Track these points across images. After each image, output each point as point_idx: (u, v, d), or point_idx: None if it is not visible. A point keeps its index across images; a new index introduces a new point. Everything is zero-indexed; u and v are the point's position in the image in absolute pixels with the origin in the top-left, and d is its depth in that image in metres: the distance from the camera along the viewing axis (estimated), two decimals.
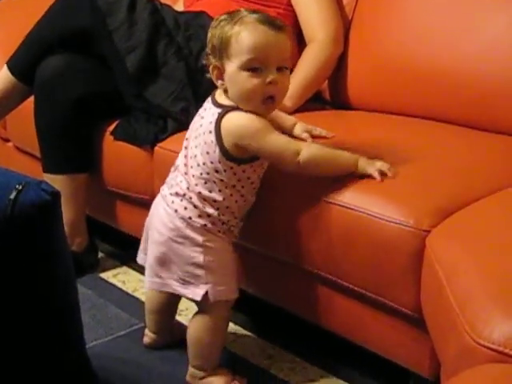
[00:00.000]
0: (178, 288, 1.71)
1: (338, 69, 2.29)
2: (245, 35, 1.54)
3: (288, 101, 2.17)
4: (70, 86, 2.19)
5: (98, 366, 1.68)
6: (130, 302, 2.18)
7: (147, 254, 1.78)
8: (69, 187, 2.21)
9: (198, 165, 1.64)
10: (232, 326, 1.99)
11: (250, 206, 1.72)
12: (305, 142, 1.74)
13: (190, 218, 1.66)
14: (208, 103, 1.66)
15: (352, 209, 1.58)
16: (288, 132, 1.79)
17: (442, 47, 2.06)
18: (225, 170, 1.61)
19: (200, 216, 1.66)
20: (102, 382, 1.73)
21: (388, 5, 2.25)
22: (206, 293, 1.67)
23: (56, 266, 1.50)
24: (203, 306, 1.72)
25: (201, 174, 1.64)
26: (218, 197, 1.64)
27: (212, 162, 1.61)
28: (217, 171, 1.62)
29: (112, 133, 2.19)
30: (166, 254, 1.71)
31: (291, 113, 2.17)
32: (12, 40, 2.40)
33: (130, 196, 2.21)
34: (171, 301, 1.89)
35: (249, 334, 2.01)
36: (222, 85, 1.61)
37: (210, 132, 1.60)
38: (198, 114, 1.69)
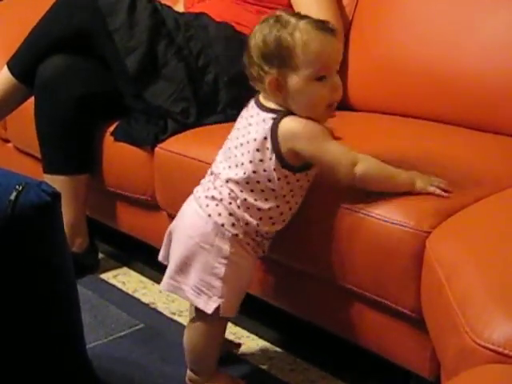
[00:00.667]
0: (191, 296, 1.64)
1: (338, 70, 2.29)
2: (311, 46, 1.48)
3: None
4: (71, 86, 2.19)
5: (98, 367, 1.69)
6: (130, 303, 2.18)
7: (170, 255, 1.71)
8: (69, 188, 2.21)
9: (245, 173, 1.55)
10: (233, 328, 2.00)
11: (290, 219, 1.64)
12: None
13: (223, 225, 1.59)
14: (254, 108, 1.59)
15: (355, 211, 1.58)
16: None
17: (443, 48, 2.06)
18: (279, 179, 1.54)
19: (233, 225, 1.59)
20: (102, 383, 1.73)
21: (388, 5, 2.26)
22: (218, 307, 1.61)
23: (56, 267, 1.50)
24: (205, 315, 1.64)
25: (247, 182, 1.56)
26: (263, 205, 1.57)
27: (265, 170, 1.54)
28: (269, 180, 1.54)
29: (112, 133, 2.19)
30: (188, 258, 1.63)
31: None
32: (12, 40, 2.40)
33: (130, 197, 2.21)
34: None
35: (249, 334, 2.01)
36: (278, 96, 1.53)
37: (265, 138, 1.52)
38: (241, 120, 1.62)
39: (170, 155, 2.00)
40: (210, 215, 1.60)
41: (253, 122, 1.56)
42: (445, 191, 1.53)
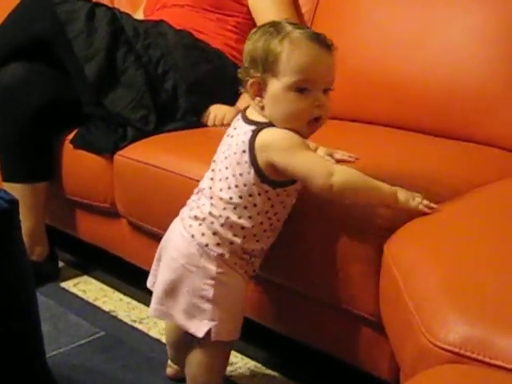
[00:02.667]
0: (181, 321, 1.57)
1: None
2: (298, 54, 1.41)
3: None
4: (30, 94, 2.18)
5: (58, 376, 1.68)
6: (90, 311, 2.17)
7: (157, 279, 1.63)
8: (28, 196, 2.20)
9: (229, 187, 1.49)
10: None
11: (275, 237, 1.58)
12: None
13: (207, 245, 1.52)
14: (238, 121, 1.53)
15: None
16: None
17: (400, 56, 2.09)
18: (259, 194, 1.47)
19: (218, 244, 1.52)
20: None
21: (346, 13, 2.28)
22: (210, 330, 1.53)
23: (15, 275, 1.49)
24: (202, 341, 1.57)
25: (231, 198, 1.49)
26: (246, 223, 1.50)
27: (245, 185, 1.47)
28: (250, 195, 1.48)
29: (71, 141, 2.18)
30: (174, 282, 1.56)
31: None
32: None
33: (90, 204, 2.20)
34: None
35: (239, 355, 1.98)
36: (260, 102, 1.47)
37: (244, 151, 1.46)
38: (226, 134, 1.56)
39: (129, 162, 2.00)
40: (193, 236, 1.54)
41: (235, 135, 1.51)
42: (429, 207, 1.47)
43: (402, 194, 1.45)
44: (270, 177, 1.46)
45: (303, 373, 1.86)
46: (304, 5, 2.42)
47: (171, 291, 1.57)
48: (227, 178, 1.50)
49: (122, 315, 2.15)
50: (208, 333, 1.53)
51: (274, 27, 1.46)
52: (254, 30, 1.51)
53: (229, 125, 2.11)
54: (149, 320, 2.10)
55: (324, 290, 1.61)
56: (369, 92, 2.15)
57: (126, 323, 2.11)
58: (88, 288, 2.33)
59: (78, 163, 2.19)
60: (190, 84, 2.18)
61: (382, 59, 2.13)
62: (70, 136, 2.20)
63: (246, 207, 1.49)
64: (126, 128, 2.11)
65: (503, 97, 1.94)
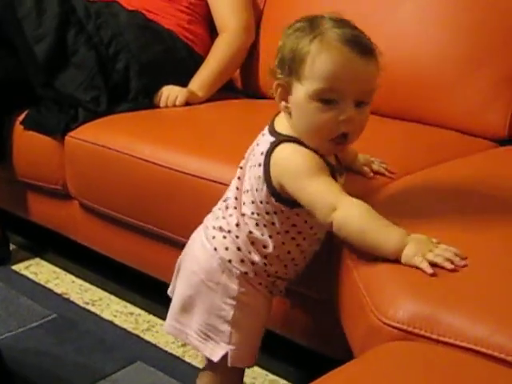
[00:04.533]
0: (196, 341, 1.42)
1: (249, 58, 2.32)
2: (324, 58, 1.21)
3: (200, 90, 2.20)
4: None
5: (10, 358, 1.67)
6: (42, 294, 2.16)
7: (174, 292, 1.48)
8: None
9: (253, 202, 1.32)
10: None
11: (310, 258, 1.42)
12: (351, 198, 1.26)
13: (230, 261, 1.36)
14: (267, 127, 1.34)
15: None
16: (350, 165, 1.52)
17: None
18: (275, 213, 1.31)
19: (242, 261, 1.36)
20: (14, 374, 1.71)
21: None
22: (226, 354, 1.39)
23: None
24: (216, 365, 1.42)
25: (252, 213, 1.33)
26: (268, 242, 1.34)
27: (261, 202, 1.31)
28: (267, 213, 1.31)
29: (22, 122, 2.16)
30: (192, 298, 1.41)
31: (202, 102, 2.19)
32: None
33: (41, 186, 2.19)
34: None
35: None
36: (286, 107, 1.28)
37: (260, 165, 1.29)
38: (255, 140, 1.36)
39: (80, 143, 1.99)
40: (215, 249, 1.37)
41: (260, 143, 1.32)
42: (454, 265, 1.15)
43: (411, 249, 1.17)
44: (283, 196, 1.29)
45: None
46: None
47: (187, 309, 1.42)
48: (248, 191, 1.34)
49: (75, 297, 2.15)
50: (224, 357, 1.39)
51: (310, 22, 1.26)
52: (291, 23, 1.29)
53: (181, 106, 2.14)
54: (101, 302, 2.10)
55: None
56: None
57: (78, 305, 2.10)
58: (40, 270, 2.31)
59: (28, 144, 2.17)
60: (141, 65, 2.17)
61: None
62: (21, 117, 2.17)
63: (265, 225, 1.33)
64: (77, 109, 2.09)
65: (458, 80, 1.96)
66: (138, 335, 1.94)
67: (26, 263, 2.36)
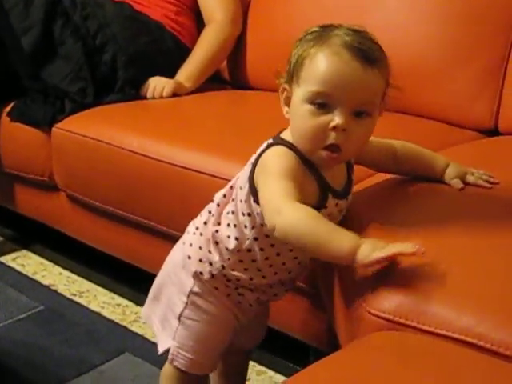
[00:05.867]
0: (156, 329, 1.41)
1: (236, 49, 2.32)
2: (320, 60, 1.15)
3: (187, 81, 2.20)
4: None
5: None
6: (29, 286, 2.16)
7: None
8: None
9: (233, 199, 1.27)
10: None
11: (287, 277, 1.32)
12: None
13: (189, 257, 1.33)
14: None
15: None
16: (438, 176, 1.38)
17: None
18: (249, 215, 1.23)
19: (200, 261, 1.31)
20: (1, 365, 1.72)
21: None
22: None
23: None
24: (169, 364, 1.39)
25: (228, 212, 1.27)
26: (233, 245, 1.26)
27: (241, 201, 1.24)
28: (243, 214, 1.24)
29: (8, 114, 2.15)
30: (160, 286, 1.40)
31: (189, 93, 2.19)
32: None
33: (28, 178, 2.18)
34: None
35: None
36: (287, 113, 1.22)
37: (251, 164, 1.24)
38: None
39: (67, 135, 1.98)
40: (184, 243, 1.36)
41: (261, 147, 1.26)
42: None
43: (368, 248, 1.07)
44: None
45: None
46: None
47: (157, 295, 1.41)
48: (234, 189, 1.28)
49: (62, 289, 2.14)
50: (167, 352, 1.37)
51: (323, 29, 1.21)
52: (305, 31, 1.24)
53: (168, 97, 2.14)
54: (89, 293, 2.10)
55: None
56: None
57: (65, 297, 2.10)
58: (27, 262, 2.31)
59: (15, 136, 2.16)
60: (128, 56, 2.16)
61: None
62: (7, 109, 2.16)
63: (235, 225, 1.26)
64: (63, 100, 2.08)
65: (445, 71, 1.96)
66: (125, 326, 1.94)
67: (13, 255, 2.35)
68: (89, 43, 2.15)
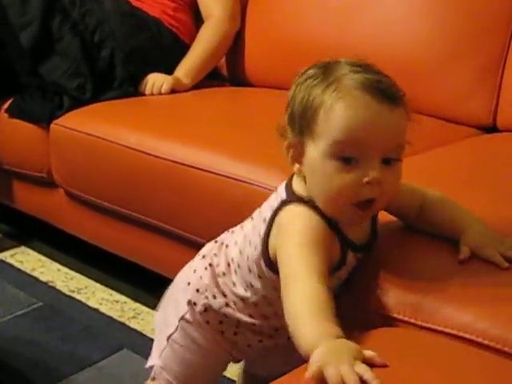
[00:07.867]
0: (155, 338, 1.36)
1: (235, 45, 2.31)
2: (340, 109, 1.02)
3: (185, 78, 2.20)
4: None
5: None
6: (28, 282, 2.15)
7: None
8: None
9: (240, 252, 1.18)
10: None
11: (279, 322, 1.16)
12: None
13: (189, 283, 1.26)
14: (282, 184, 1.15)
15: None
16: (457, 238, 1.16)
17: (334, 26, 2.11)
18: (259, 276, 1.15)
19: (197, 291, 1.24)
20: (0, 362, 1.71)
21: None
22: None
23: None
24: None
25: (232, 259, 1.20)
26: (238, 290, 1.20)
27: (248, 258, 1.16)
28: (250, 270, 1.16)
29: (7, 110, 2.15)
30: (166, 299, 1.33)
31: (188, 89, 2.19)
32: None
33: (26, 174, 2.18)
34: None
35: None
36: (299, 171, 1.09)
37: (264, 220, 1.13)
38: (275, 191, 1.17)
39: (65, 131, 1.98)
40: (190, 267, 1.28)
41: (271, 198, 1.16)
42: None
43: (319, 355, 0.88)
44: (275, 262, 1.09)
45: None
46: None
47: (163, 306, 1.35)
48: (235, 233, 1.23)
49: (60, 285, 2.14)
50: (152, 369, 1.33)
51: (324, 68, 1.08)
52: (302, 70, 1.12)
53: (166, 93, 2.14)
54: (87, 290, 2.10)
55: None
56: (305, 63, 2.15)
57: (63, 293, 2.10)
58: (25, 259, 2.31)
59: (13, 132, 2.16)
60: (127, 52, 2.16)
61: (319, 30, 2.14)
62: (6, 105, 2.16)
63: (235, 272, 1.20)
64: (62, 97, 2.08)
65: (443, 67, 1.96)
66: (123, 323, 1.94)
67: (11, 251, 2.35)
68: (87, 39, 2.15)
